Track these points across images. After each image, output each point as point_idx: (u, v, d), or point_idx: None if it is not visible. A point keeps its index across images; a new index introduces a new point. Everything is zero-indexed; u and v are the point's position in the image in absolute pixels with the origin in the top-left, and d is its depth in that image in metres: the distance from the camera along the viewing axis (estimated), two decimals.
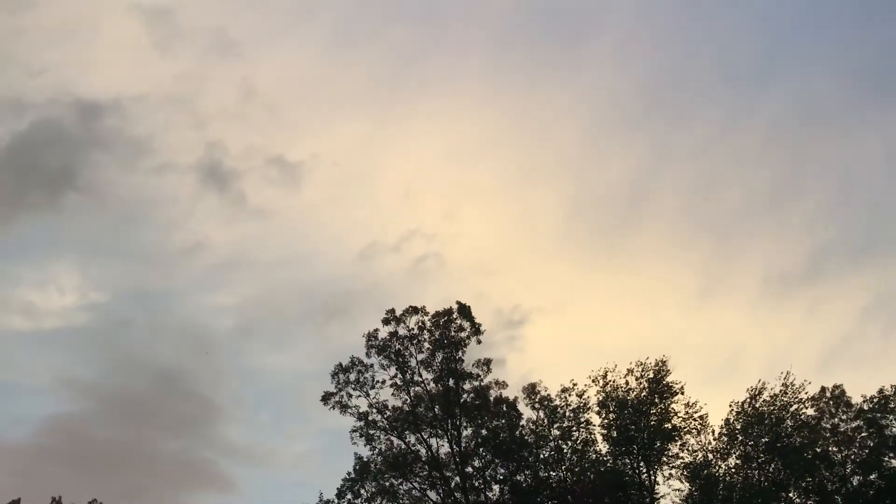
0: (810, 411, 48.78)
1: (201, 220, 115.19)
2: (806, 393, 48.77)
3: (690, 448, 50.33)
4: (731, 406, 50.10)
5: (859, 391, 48.90)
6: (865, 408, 47.57)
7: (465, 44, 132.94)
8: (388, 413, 53.19)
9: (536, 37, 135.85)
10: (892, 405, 46.65)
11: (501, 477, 53.43)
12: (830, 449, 48.19)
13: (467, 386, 54.04)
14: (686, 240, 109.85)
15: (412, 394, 53.21)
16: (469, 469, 53.41)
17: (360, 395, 53.01)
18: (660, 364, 51.23)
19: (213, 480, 76.52)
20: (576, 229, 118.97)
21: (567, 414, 52.45)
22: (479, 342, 53.98)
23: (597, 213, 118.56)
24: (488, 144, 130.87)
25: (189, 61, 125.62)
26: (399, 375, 53.22)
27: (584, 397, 52.34)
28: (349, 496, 52.47)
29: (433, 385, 53.55)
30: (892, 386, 46.99)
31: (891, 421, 46.57)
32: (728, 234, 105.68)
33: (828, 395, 48.84)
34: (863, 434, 47.31)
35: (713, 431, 50.16)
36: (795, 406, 48.60)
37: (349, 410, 52.92)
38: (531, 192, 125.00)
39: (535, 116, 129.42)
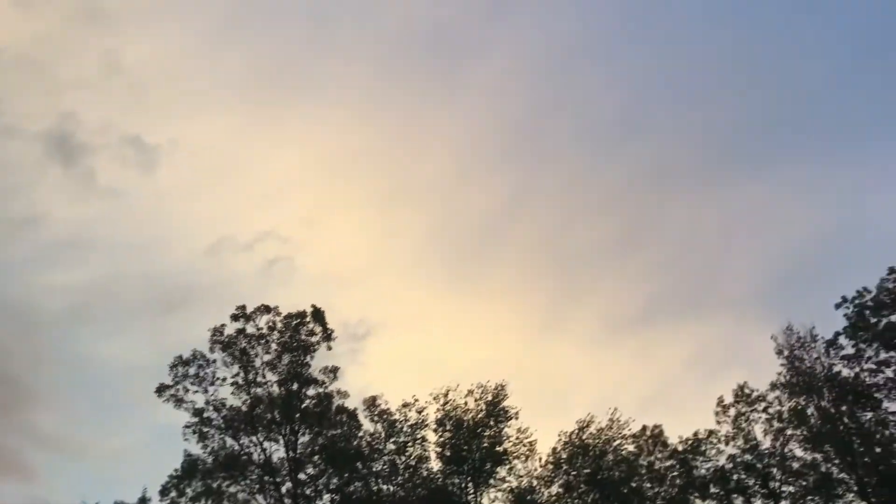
0: (631, 447, 51.77)
1: (43, 193, 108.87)
2: (629, 430, 51.84)
3: (517, 473, 52.28)
4: (559, 436, 52.49)
5: (676, 433, 52.41)
6: (679, 448, 51.01)
7: (353, 54, 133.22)
8: (226, 412, 52.16)
9: (424, 58, 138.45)
10: (702, 448, 50.25)
11: (334, 487, 53.41)
12: (645, 485, 51.21)
13: (311, 392, 53.95)
14: (536, 276, 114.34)
15: (253, 394, 52.45)
16: (302, 476, 53.09)
17: (197, 391, 51.83)
18: (499, 388, 53.05)
19: (12, 468, 71.41)
20: (435, 253, 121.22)
21: (405, 429, 53.23)
22: (329, 348, 54.11)
23: (457, 239, 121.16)
24: (361, 157, 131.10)
25: (51, 23, 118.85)
26: (242, 374, 52.40)
27: (423, 414, 53.42)
28: (173, 494, 50.97)
29: (276, 388, 53.04)
30: (705, 430, 50.73)
31: (700, 463, 50.11)
32: (574, 275, 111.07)
33: (648, 433, 52.03)
34: (674, 473, 50.65)
35: (540, 459, 52.37)
36: (618, 441, 51.48)
37: (184, 405, 51.55)
38: (397, 211, 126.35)
39: (411, 137, 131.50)
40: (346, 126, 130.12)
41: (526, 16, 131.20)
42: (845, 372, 48.31)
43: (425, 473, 53.40)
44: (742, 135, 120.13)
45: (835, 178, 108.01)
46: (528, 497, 51.84)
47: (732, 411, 50.14)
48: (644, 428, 52.19)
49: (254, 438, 52.31)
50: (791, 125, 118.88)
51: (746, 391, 50.10)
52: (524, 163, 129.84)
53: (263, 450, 52.43)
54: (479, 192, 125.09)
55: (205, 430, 51.89)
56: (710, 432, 50.57)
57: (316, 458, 53.42)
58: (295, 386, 53.27)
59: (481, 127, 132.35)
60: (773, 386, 49.36)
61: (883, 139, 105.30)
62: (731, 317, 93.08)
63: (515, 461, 52.63)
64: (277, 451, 52.46)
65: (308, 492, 53.06)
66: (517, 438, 52.70)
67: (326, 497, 53.31)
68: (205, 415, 51.75)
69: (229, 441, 52.17)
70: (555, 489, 52.10)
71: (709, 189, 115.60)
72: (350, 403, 54.26)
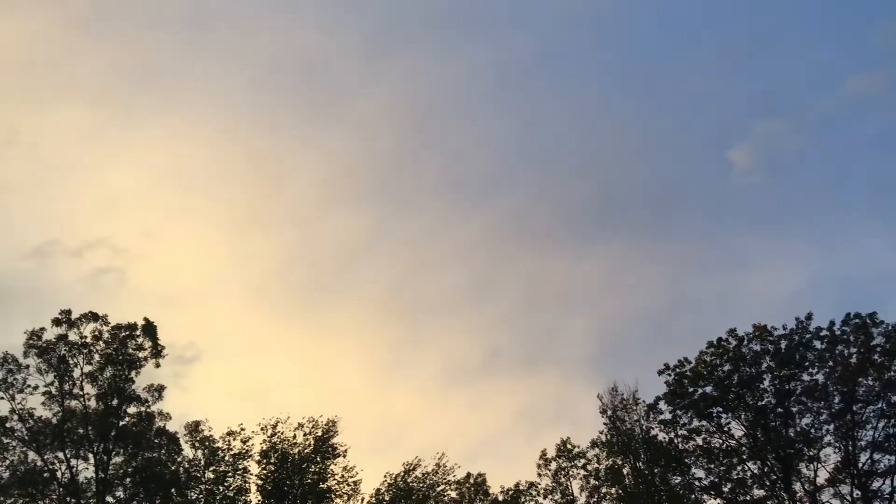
0: (453, 494, 51.85)
1: None
2: (454, 476, 51.94)
3: None
4: (385, 477, 51.91)
5: (499, 483, 52.94)
6: (500, 499, 51.55)
7: (226, 70, 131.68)
8: (32, 423, 48.67)
9: (300, 85, 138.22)
10: (521, 500, 51.01)
11: None
12: None
13: (132, 410, 51.26)
14: (383, 317, 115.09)
15: (66, 406, 49.25)
16: (110, 499, 50.04)
17: (2, 398, 48.13)
18: (330, 424, 52.11)
19: None
20: (283, 283, 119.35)
21: (227, 458, 51.22)
22: (157, 366, 51.71)
23: (308, 272, 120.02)
24: (218, 176, 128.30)
25: None
26: (56, 384, 49.17)
27: (248, 444, 51.61)
28: None
29: (94, 402, 50.09)
30: (526, 482, 51.60)
31: None
32: (420, 321, 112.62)
33: (471, 481, 52.34)
34: None
35: (363, 499, 51.52)
36: (442, 487, 51.44)
37: None
38: (248, 236, 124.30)
39: (274, 162, 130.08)
40: (207, 141, 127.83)
41: (410, 59, 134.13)
42: (661, 436, 50.73)
43: None
44: (595, 206, 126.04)
45: (672, 256, 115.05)
46: None
47: (553, 465, 51.35)
48: (468, 475, 52.49)
49: (60, 455, 48.95)
50: (640, 204, 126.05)
51: (569, 447, 51.48)
52: (386, 204, 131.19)
53: (70, 467, 49.09)
54: (336, 227, 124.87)
55: (5, 441, 48.15)
56: (531, 484, 51.47)
57: (128, 480, 50.51)
58: (115, 401, 50.44)
59: (347, 162, 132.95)
60: (594, 444, 51.00)
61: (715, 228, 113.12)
62: (564, 376, 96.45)
63: (338, 500, 51.55)
64: (86, 471, 49.33)
65: None
66: (342, 477, 51.67)
67: None
68: (7, 424, 48.06)
69: (32, 455, 48.59)
70: None
71: (557, 253, 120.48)
72: (172, 427, 51.96)
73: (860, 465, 46.16)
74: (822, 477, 47.01)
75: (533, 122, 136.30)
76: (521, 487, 51.68)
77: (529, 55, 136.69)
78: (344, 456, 51.98)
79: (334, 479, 51.65)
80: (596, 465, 50.56)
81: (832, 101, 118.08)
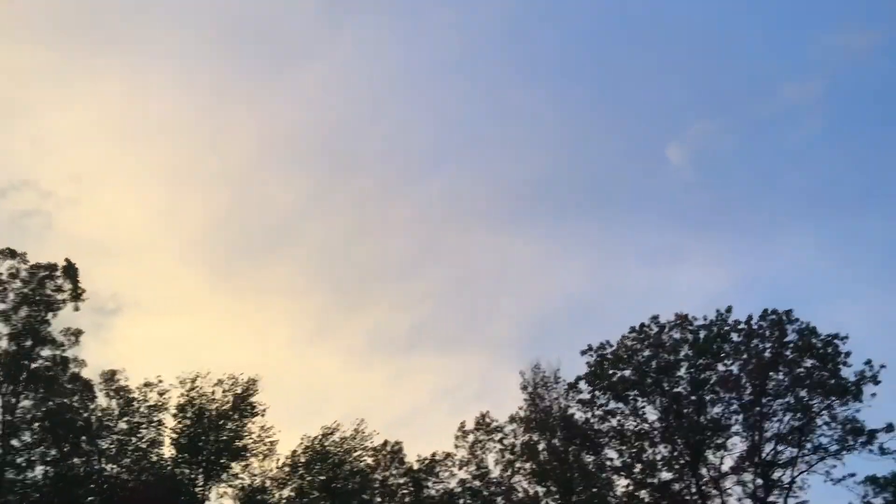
0: (369, 460, 51.93)
1: None
2: (371, 443, 52.03)
3: (252, 471, 50.83)
4: (302, 439, 51.70)
5: (416, 453, 53.09)
6: (415, 467, 51.79)
7: (178, 21, 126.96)
8: None
9: (251, 45, 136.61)
10: (437, 470, 51.36)
11: (50, 459, 49.24)
12: (376, 499, 51.44)
13: (46, 353, 49.80)
14: (315, 283, 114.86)
15: None
16: (15, 443, 48.63)
17: None
18: (251, 382, 51.66)
19: None
20: (217, 242, 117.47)
21: (142, 409, 50.34)
22: (76, 309, 50.29)
23: (244, 232, 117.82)
24: (157, 129, 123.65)
25: None
26: None
27: (164, 397, 50.84)
28: None
29: (6, 342, 48.56)
30: (442, 453, 51.96)
31: (432, 484, 51.15)
32: (352, 290, 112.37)
33: (388, 449, 52.45)
34: (405, 491, 51.29)
35: (278, 460, 51.28)
36: (359, 452, 51.51)
37: None
38: (186, 191, 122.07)
39: (218, 119, 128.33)
40: (150, 93, 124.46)
41: (362, 29, 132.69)
42: (579, 415, 51.65)
43: (155, 459, 50.63)
44: (535, 191, 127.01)
45: (605, 245, 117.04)
46: (258, 497, 50.46)
47: (471, 438, 51.77)
48: (385, 443, 52.59)
49: None
50: (578, 192, 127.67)
51: (487, 420, 51.99)
52: (326, 172, 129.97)
53: None
54: (276, 189, 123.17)
55: None
56: (447, 455, 51.87)
57: (36, 425, 49.13)
58: (29, 343, 48.99)
59: (293, 126, 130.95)
60: (512, 419, 51.61)
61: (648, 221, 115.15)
62: (491, 354, 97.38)
63: (253, 459, 51.20)
64: None
65: (20, 461, 48.59)
66: (259, 436, 51.37)
67: (39, 469, 49.04)
68: None
69: None
70: (287, 492, 51.08)
71: (493, 233, 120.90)
72: (87, 375, 50.61)
73: (764, 455, 47.77)
74: (728, 464, 48.61)
75: (481, 103, 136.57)
76: (437, 458, 52.01)
77: (486, 35, 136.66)
78: (262, 415, 51.74)
79: (251, 438, 51.31)
80: (513, 440, 51.23)
81: (767, 106, 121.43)
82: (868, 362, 47.02)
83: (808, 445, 47.52)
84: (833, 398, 47.17)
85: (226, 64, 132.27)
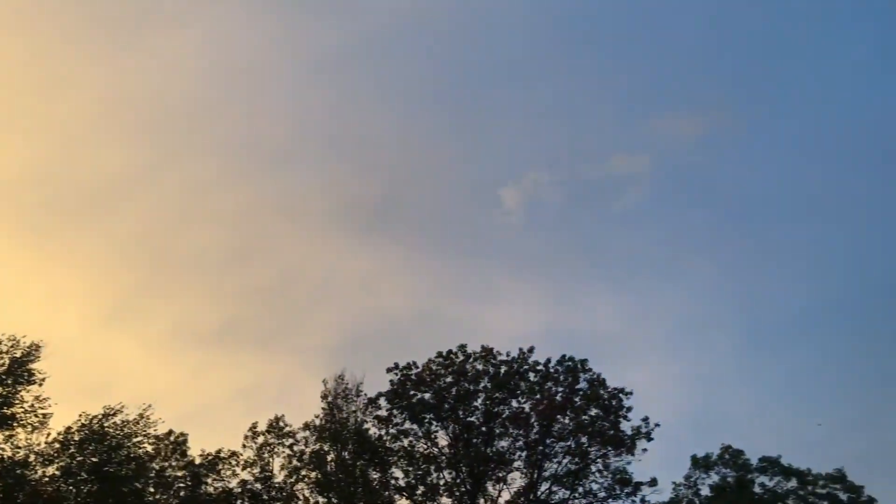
0: (150, 448, 49.64)
1: None
2: (155, 430, 49.77)
3: (16, 443, 47.21)
4: (80, 416, 48.71)
5: (201, 448, 51.37)
6: (197, 461, 50.09)
7: None
8: None
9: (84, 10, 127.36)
10: (219, 467, 49.90)
11: None
12: (150, 489, 49.19)
13: None
14: (127, 263, 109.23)
15: None
16: None
17: None
18: (34, 347, 48.09)
19: None
20: (28, 199, 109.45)
21: None
22: None
23: (60, 194, 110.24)
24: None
25: None
26: None
27: None
28: None
29: None
30: (228, 450, 50.61)
31: (211, 480, 49.65)
32: (165, 275, 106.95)
33: (171, 438, 50.45)
34: (182, 485, 49.47)
35: (49, 434, 47.96)
36: (139, 438, 49.09)
37: None
38: (4, 139, 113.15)
39: (59, 73, 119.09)
40: None
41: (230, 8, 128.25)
42: (373, 431, 51.97)
43: None
44: (375, 207, 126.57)
45: (434, 273, 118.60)
46: (18, 470, 46.88)
47: (261, 439, 50.78)
48: (170, 432, 50.54)
49: None
50: (417, 217, 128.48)
51: (281, 424, 51.21)
52: (167, 146, 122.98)
53: None
54: (107, 157, 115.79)
55: None
56: (233, 454, 50.56)
57: None
58: None
59: (140, 95, 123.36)
60: (307, 426, 51.11)
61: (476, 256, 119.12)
62: (298, 361, 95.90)
63: (20, 429, 47.55)
64: None
65: None
66: (32, 406, 47.81)
67: None
68: None
69: None
70: (52, 470, 47.80)
71: (324, 242, 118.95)
72: None
73: (539, 493, 49.97)
74: (505, 498, 50.42)
75: (340, 109, 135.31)
76: (221, 455, 50.57)
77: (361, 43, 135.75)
78: (40, 385, 48.15)
79: (22, 407, 47.65)
80: (303, 448, 50.66)
81: (597, 170, 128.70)
82: (645, 419, 50.63)
83: (580, 489, 50.27)
84: (609, 448, 50.18)
85: (81, 15, 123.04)
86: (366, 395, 52.25)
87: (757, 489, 54.14)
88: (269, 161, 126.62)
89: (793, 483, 54.25)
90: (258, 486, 49.90)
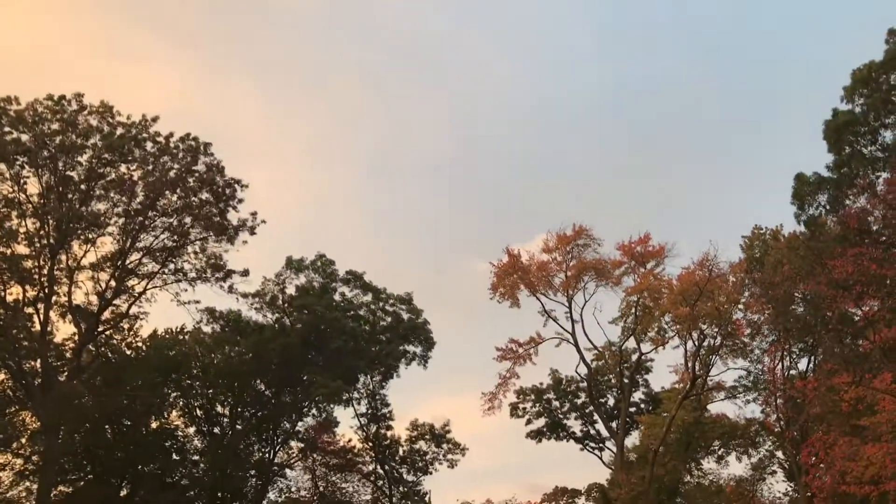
0: None
1: None
2: None
3: None
4: None
5: None
6: None
7: None
8: None
9: None
10: None
11: None
12: None
13: None
14: None
15: None
16: None
17: None
18: None
19: None
20: None
21: None
22: None
23: None
24: None
25: None
26: None
27: None
28: None
29: None
30: None
31: None
32: None
33: None
34: None
35: None
36: None
37: None
38: None
39: None
40: None
41: None
42: None
43: None
44: None
45: None
46: None
47: None
48: None
49: None
50: None
51: None
52: None
53: None
54: None
55: None
56: None
57: None
58: None
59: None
60: None
61: None
62: None
63: None
64: None
65: None
66: None
67: None
68: None
69: None
70: None
71: None
72: None
73: (128, 261, 49.51)
74: (90, 259, 49.05)
75: None
76: None
77: None
78: None
79: None
80: None
81: None
82: (254, 213, 51.81)
83: (171, 266, 50.77)
84: (211, 233, 50.90)
85: None
86: None
87: (337, 297, 60.09)
88: None
89: (369, 297, 61.21)
90: None
